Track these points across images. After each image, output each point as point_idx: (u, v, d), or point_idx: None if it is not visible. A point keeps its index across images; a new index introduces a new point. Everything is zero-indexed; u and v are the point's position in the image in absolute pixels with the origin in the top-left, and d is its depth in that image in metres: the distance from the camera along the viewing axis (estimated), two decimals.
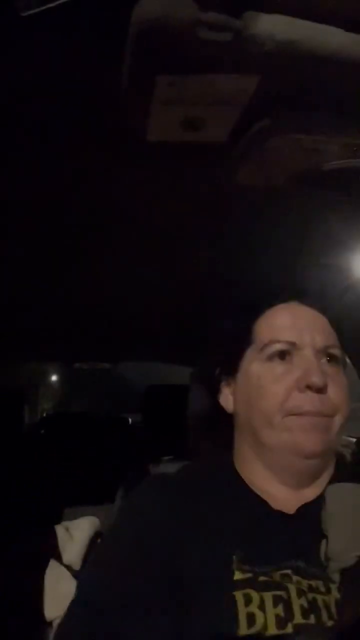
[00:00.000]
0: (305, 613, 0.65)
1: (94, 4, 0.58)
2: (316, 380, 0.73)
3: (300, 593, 0.66)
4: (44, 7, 0.51)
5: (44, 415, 4.60)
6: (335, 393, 0.76)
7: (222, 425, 0.86)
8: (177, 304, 1.83)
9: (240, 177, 0.90)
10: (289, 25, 0.61)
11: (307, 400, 0.74)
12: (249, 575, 0.68)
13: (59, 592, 0.96)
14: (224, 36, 0.60)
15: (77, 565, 1.03)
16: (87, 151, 0.90)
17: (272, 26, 0.61)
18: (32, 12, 0.52)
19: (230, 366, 0.84)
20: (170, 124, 0.75)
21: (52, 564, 1.02)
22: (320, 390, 0.74)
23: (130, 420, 3.12)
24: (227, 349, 0.85)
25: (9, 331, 2.14)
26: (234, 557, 0.69)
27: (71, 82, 0.72)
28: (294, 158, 0.84)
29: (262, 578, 0.67)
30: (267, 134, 0.78)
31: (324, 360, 0.77)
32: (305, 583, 0.68)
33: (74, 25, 0.61)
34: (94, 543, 1.06)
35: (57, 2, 0.51)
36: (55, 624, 0.93)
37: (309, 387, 0.74)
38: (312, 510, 0.75)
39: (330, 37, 0.63)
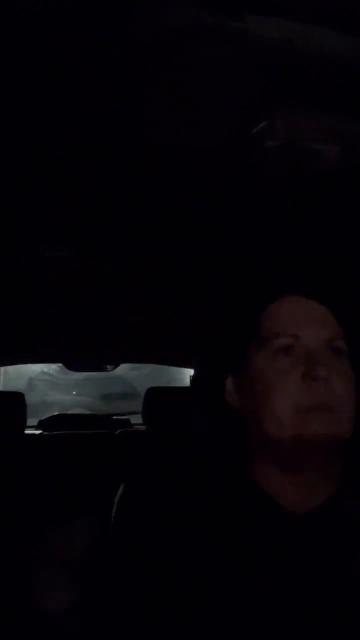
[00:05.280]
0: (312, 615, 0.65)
1: (95, 4, 0.59)
2: (322, 373, 0.73)
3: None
4: None
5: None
6: (342, 386, 0.75)
7: (228, 423, 0.85)
8: (177, 304, 1.83)
9: (240, 177, 0.91)
10: (289, 26, 0.62)
11: (313, 394, 0.73)
12: (259, 579, 0.67)
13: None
14: (224, 38, 0.61)
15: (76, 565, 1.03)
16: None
17: (273, 28, 0.62)
18: None
19: (234, 362, 0.83)
20: (172, 125, 0.76)
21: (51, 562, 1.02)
22: (326, 383, 0.73)
23: (130, 421, 3.12)
24: (230, 344, 0.85)
25: (9, 332, 2.14)
26: (243, 560, 0.69)
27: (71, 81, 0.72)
28: (293, 158, 0.84)
29: (271, 582, 0.67)
30: (266, 134, 0.79)
31: (328, 352, 0.77)
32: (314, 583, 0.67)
33: (74, 25, 0.61)
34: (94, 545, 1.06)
35: None
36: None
37: (314, 381, 0.73)
38: (325, 511, 0.74)
39: (328, 39, 0.64)
